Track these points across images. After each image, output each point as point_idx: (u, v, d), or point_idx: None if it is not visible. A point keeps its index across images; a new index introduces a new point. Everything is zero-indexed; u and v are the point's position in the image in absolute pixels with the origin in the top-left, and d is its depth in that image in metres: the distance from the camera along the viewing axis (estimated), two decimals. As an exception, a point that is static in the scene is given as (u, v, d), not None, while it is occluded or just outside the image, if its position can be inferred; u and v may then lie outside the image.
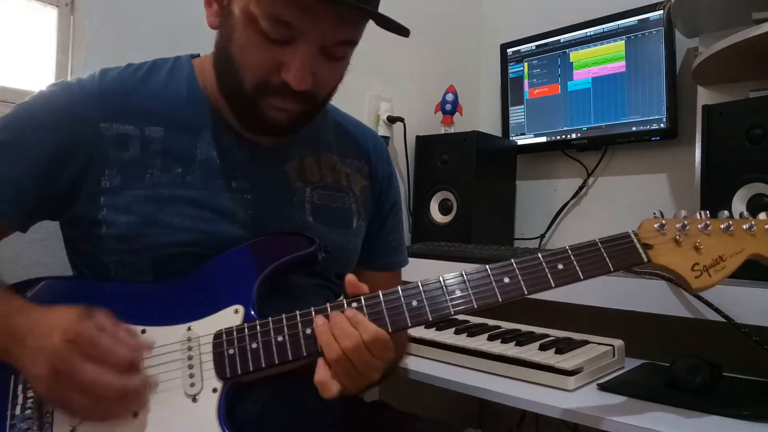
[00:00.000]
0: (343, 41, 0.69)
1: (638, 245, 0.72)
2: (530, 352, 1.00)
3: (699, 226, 0.73)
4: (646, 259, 0.72)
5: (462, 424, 0.87)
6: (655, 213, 0.75)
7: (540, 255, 0.71)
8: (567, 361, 0.95)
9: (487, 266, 0.71)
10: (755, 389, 0.94)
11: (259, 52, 0.67)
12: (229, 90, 0.72)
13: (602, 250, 0.71)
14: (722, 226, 0.72)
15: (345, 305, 0.68)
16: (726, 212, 0.74)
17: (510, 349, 1.02)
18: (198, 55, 0.82)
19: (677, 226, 0.73)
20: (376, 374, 0.67)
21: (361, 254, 0.89)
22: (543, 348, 1.02)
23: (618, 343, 1.07)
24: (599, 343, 1.07)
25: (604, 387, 0.93)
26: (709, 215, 0.74)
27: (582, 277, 0.70)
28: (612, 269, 0.71)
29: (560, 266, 0.70)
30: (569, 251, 0.71)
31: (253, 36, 0.66)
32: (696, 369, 0.91)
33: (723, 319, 0.88)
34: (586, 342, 1.08)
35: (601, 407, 0.85)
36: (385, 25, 0.67)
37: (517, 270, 0.70)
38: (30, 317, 0.63)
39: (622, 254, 0.72)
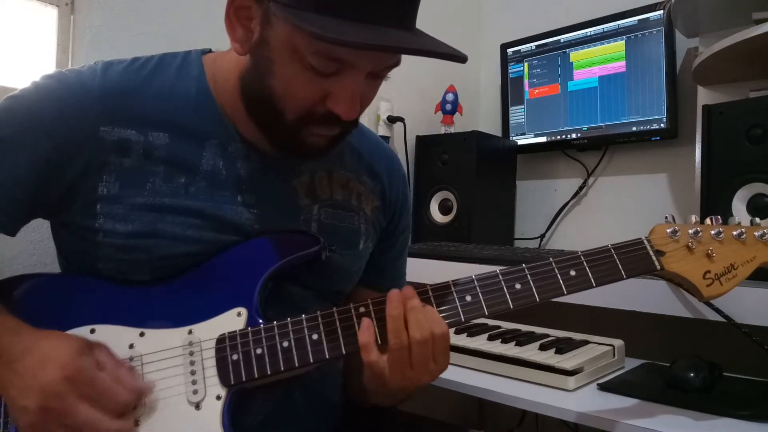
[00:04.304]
0: (391, 65, 0.67)
1: (651, 252, 0.71)
2: (530, 352, 1.00)
3: (712, 232, 0.71)
4: (659, 267, 0.70)
5: (462, 424, 0.87)
6: (666, 218, 0.74)
7: (552, 261, 0.69)
8: (567, 361, 0.95)
9: (498, 271, 0.69)
10: (755, 389, 0.94)
11: (306, 85, 0.64)
12: (267, 120, 0.69)
13: (615, 256, 0.70)
14: (734, 233, 0.71)
15: (352, 309, 0.67)
16: (737, 218, 0.73)
17: (510, 349, 1.02)
18: (209, 50, 0.77)
19: (690, 232, 0.71)
20: (426, 377, 0.67)
21: (364, 272, 0.86)
22: (543, 348, 1.02)
23: (618, 343, 1.07)
24: (599, 343, 1.07)
25: (604, 387, 0.93)
26: (720, 221, 0.72)
27: (594, 285, 0.69)
28: (625, 277, 0.70)
29: (572, 272, 0.69)
30: (582, 257, 0.70)
31: (299, 70, 0.63)
32: (696, 369, 0.91)
33: (723, 319, 0.88)
34: (586, 342, 1.08)
35: (602, 407, 0.85)
36: (445, 57, 0.63)
37: (528, 276, 0.69)
38: (23, 341, 0.59)
39: (635, 261, 0.70)
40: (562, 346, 1.01)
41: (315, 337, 0.66)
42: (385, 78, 0.69)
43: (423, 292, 0.68)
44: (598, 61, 1.59)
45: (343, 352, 0.66)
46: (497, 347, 1.03)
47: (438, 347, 0.66)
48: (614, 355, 1.05)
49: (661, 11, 1.45)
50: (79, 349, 0.58)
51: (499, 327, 1.19)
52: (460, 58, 0.63)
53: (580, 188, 1.70)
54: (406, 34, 0.62)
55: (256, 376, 0.65)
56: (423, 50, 0.61)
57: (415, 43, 0.62)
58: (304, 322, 0.66)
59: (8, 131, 0.66)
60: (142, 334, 0.66)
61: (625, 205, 1.62)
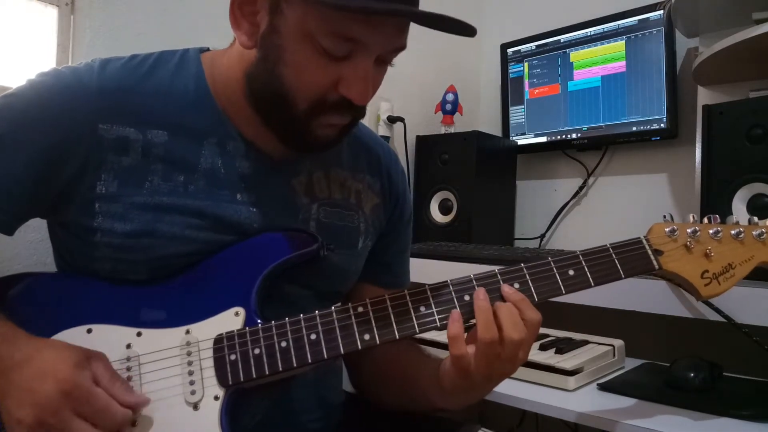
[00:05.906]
0: (398, 47, 0.67)
1: (650, 251, 0.70)
2: (530, 352, 1.00)
3: (710, 231, 0.71)
4: (657, 266, 0.70)
5: (464, 420, 0.87)
6: (665, 216, 0.73)
7: (551, 260, 0.69)
8: (567, 361, 0.95)
9: (497, 271, 0.69)
10: (755, 389, 0.94)
11: (318, 70, 0.64)
12: (277, 114, 0.68)
13: (613, 256, 0.70)
14: (733, 233, 0.71)
15: (351, 309, 0.67)
16: (735, 218, 0.72)
17: (510, 349, 1.01)
18: (207, 49, 0.77)
19: (688, 231, 0.71)
20: (512, 369, 0.66)
21: (367, 268, 0.86)
22: (543, 348, 1.01)
23: (618, 343, 1.07)
24: (599, 343, 1.07)
25: (604, 387, 0.93)
26: (719, 220, 0.72)
27: (593, 284, 0.69)
28: (623, 276, 0.69)
29: (571, 272, 0.69)
30: (580, 257, 0.69)
31: (311, 55, 0.63)
32: (696, 369, 0.91)
33: (723, 319, 0.88)
34: (586, 342, 1.08)
35: (602, 407, 0.85)
36: (457, 26, 0.63)
37: (527, 275, 0.68)
38: (20, 350, 0.58)
39: (633, 260, 0.70)
40: (562, 346, 1.01)
41: (313, 337, 0.65)
42: (390, 64, 0.69)
43: (421, 291, 0.68)
44: (598, 61, 1.59)
45: (342, 351, 0.66)
46: (497, 347, 1.03)
47: (530, 338, 0.65)
48: (614, 355, 1.05)
49: (661, 11, 1.45)
50: (77, 362, 0.58)
51: (499, 327, 1.19)
52: (471, 30, 0.64)
53: (580, 188, 1.70)
54: (414, 8, 0.63)
55: (254, 376, 0.64)
56: (438, 16, 0.61)
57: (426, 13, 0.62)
58: (302, 322, 0.66)
59: (4, 129, 0.65)
60: (139, 334, 0.66)
61: (625, 205, 1.62)
